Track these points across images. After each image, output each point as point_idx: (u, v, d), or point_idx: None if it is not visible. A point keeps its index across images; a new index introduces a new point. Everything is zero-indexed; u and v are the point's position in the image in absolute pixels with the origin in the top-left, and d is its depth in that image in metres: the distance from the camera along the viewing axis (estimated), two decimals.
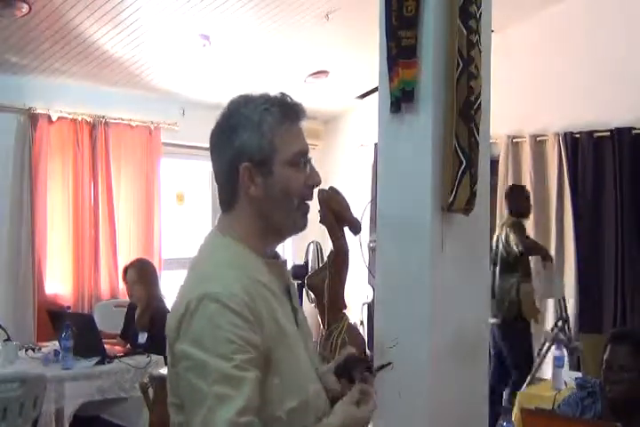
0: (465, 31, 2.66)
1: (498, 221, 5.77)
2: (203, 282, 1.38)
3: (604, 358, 2.60)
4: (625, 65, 5.92)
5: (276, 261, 1.52)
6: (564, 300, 5.60)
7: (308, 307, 4.30)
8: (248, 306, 1.33)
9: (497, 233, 5.44)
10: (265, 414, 1.33)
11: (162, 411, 3.61)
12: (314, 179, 1.49)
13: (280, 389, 1.37)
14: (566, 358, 4.13)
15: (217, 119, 1.48)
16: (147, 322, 4.42)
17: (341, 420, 1.40)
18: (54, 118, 5.63)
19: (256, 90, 1.50)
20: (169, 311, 1.45)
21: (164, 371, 3.79)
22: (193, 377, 1.29)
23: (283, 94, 1.48)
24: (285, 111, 1.44)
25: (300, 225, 1.49)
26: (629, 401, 2.53)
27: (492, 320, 5.09)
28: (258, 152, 1.41)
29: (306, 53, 6.01)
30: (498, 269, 5.41)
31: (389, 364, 1.60)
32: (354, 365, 1.55)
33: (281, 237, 1.53)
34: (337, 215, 3.66)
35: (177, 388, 1.36)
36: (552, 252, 6.22)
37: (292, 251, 7.79)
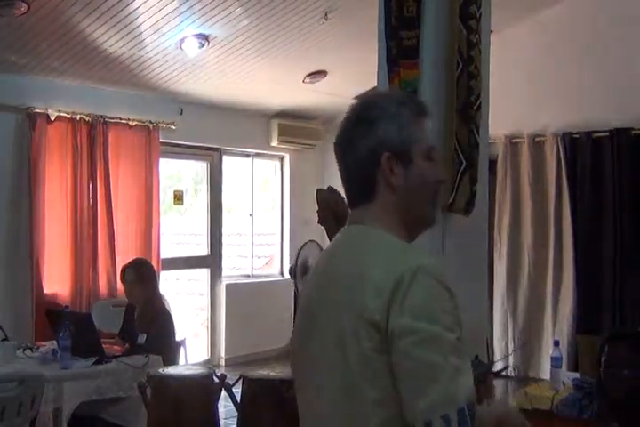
0: (465, 31, 2.65)
1: (496, 222, 5.76)
2: (403, 256, 1.33)
3: (604, 357, 2.60)
4: (624, 65, 5.92)
5: None
6: None
7: None
8: (448, 282, 1.31)
9: None
10: None
11: (160, 411, 3.60)
12: (443, 174, 1.49)
13: None
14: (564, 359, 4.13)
15: (348, 113, 1.46)
16: (146, 322, 4.40)
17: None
18: (53, 118, 5.62)
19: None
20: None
21: (162, 371, 3.78)
22: (424, 351, 1.22)
23: (410, 92, 1.44)
24: (418, 105, 1.48)
25: (433, 219, 1.47)
26: (630, 400, 2.53)
27: None
28: (398, 143, 1.40)
29: (305, 53, 6.00)
30: None
31: (507, 367, 1.60)
32: (474, 367, 1.56)
33: (418, 230, 1.47)
34: (336, 215, 3.66)
35: (384, 374, 1.24)
36: (550, 252, 6.23)
37: (290, 251, 7.79)
